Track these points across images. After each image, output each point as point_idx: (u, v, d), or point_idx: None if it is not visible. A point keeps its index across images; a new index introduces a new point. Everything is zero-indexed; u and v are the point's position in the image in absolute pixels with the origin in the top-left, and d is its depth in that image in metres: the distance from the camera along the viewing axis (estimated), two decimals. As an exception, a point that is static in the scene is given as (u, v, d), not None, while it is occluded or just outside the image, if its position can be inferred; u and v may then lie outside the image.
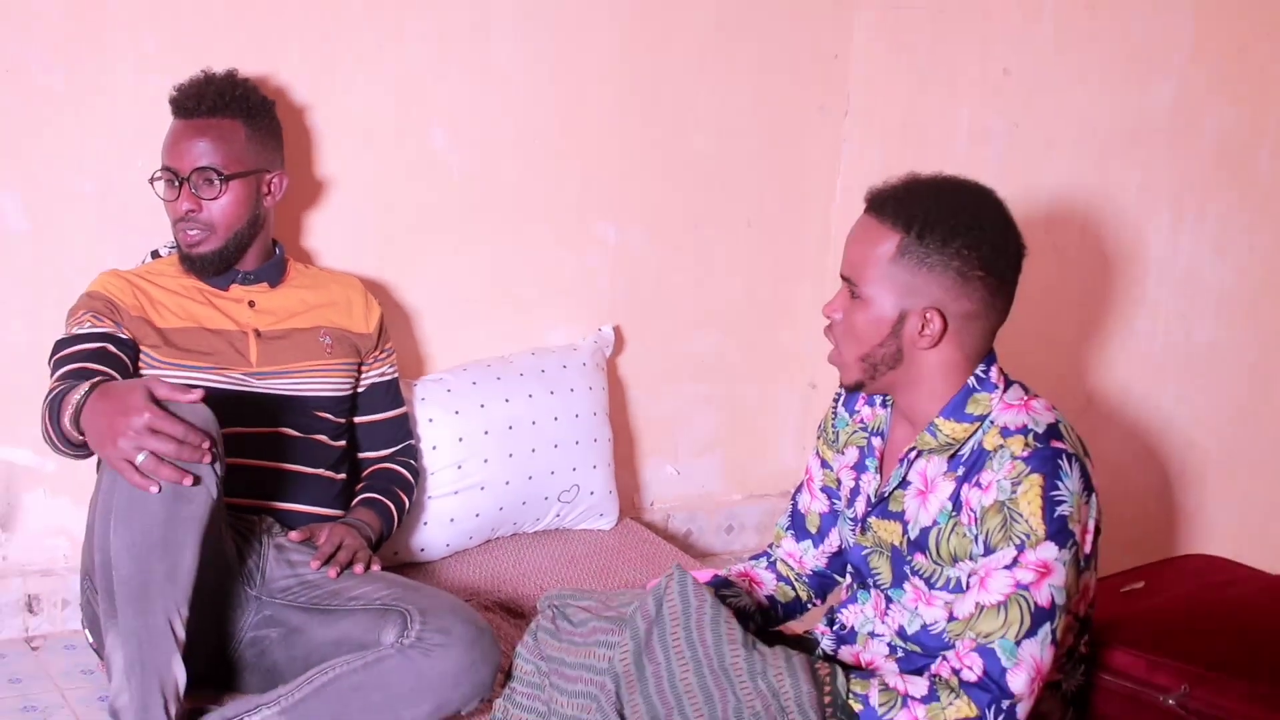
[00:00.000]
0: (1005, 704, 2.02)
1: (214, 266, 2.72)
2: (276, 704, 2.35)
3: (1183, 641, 2.33)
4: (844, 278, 2.18)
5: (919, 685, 2.07)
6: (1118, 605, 2.50)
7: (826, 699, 2.06)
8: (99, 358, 2.52)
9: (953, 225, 2.09)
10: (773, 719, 2.03)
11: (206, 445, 2.21)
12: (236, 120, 2.70)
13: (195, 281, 2.71)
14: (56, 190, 2.83)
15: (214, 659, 2.52)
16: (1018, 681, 2.02)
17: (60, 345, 2.58)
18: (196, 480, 2.21)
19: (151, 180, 2.68)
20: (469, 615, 2.39)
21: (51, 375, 2.53)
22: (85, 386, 2.27)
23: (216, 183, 2.67)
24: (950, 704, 2.03)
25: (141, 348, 2.61)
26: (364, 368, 2.85)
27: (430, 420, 3.07)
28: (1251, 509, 2.88)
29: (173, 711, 2.25)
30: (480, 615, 2.43)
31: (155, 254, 2.80)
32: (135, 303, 2.64)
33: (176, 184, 2.67)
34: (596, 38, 3.33)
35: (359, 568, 2.56)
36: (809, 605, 2.52)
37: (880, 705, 2.07)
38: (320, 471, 2.74)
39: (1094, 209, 3.12)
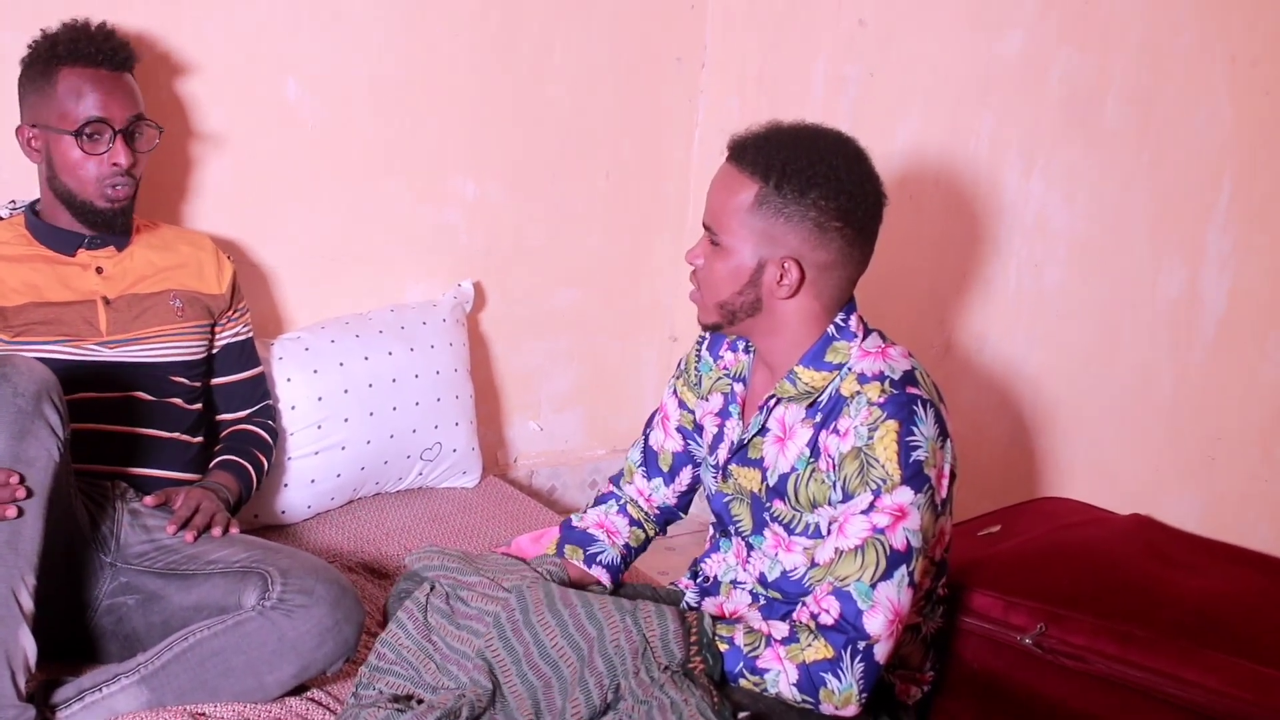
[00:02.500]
0: (861, 645, 2.05)
1: (123, 224, 2.64)
2: (136, 672, 2.30)
3: (1038, 582, 2.38)
4: (705, 225, 2.19)
5: (780, 628, 2.10)
6: (975, 549, 2.55)
7: (693, 639, 2.08)
8: None
9: (810, 176, 2.10)
10: (636, 653, 2.04)
11: (15, 481, 2.17)
12: (132, 73, 2.64)
13: (40, 249, 2.62)
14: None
15: (70, 629, 2.46)
16: (874, 623, 2.05)
17: None
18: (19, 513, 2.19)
19: (77, 133, 2.54)
20: (331, 575, 2.36)
21: None
22: None
23: (156, 132, 2.64)
24: (809, 645, 2.05)
25: None
26: (217, 328, 2.79)
27: (289, 380, 3.02)
28: (1102, 452, 2.94)
29: (22, 684, 2.18)
30: (343, 575, 2.40)
31: (-5, 215, 2.71)
32: None
33: (108, 136, 2.57)
34: (452, -12, 3.29)
35: (216, 531, 2.52)
36: (652, 539, 2.56)
37: (745, 645, 2.09)
38: (175, 435, 2.68)
39: (947, 157, 3.15)
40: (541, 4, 3.42)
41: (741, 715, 1.96)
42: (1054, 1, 2.93)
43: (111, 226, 2.64)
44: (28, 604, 2.18)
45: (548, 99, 3.49)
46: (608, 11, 3.52)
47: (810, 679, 2.05)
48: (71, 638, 2.47)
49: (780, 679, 2.06)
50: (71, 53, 2.57)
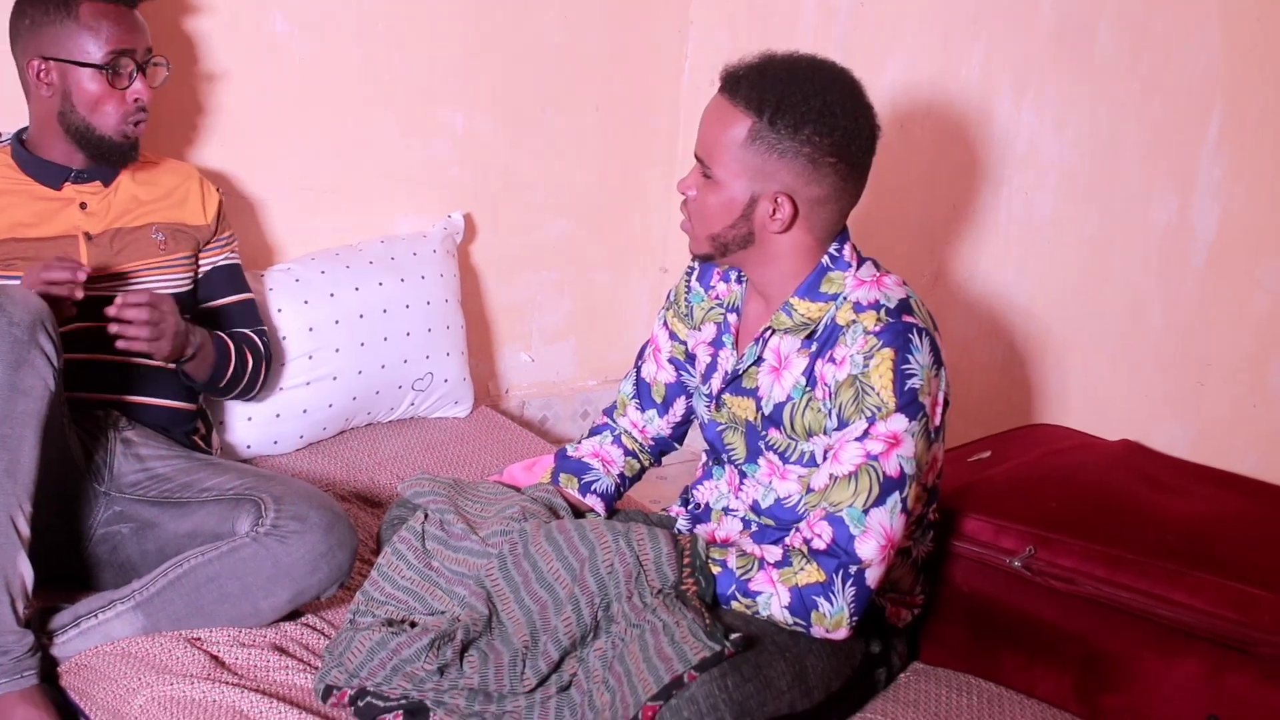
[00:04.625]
0: (852, 569, 2.07)
1: (133, 157, 2.63)
2: (131, 599, 2.32)
3: (1027, 506, 2.40)
4: (697, 157, 2.18)
5: (774, 552, 2.11)
6: (966, 474, 2.56)
7: (686, 561, 2.09)
8: None
9: (804, 111, 2.08)
10: (630, 576, 2.06)
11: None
12: (139, 10, 2.62)
13: (25, 182, 2.60)
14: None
15: (66, 557, 2.47)
16: (866, 548, 2.07)
17: None
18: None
19: (102, 66, 2.52)
20: (324, 501, 2.37)
21: None
22: None
23: (164, 68, 2.62)
24: (801, 569, 2.07)
25: None
26: (201, 254, 2.78)
27: (279, 310, 3.02)
28: (1091, 379, 2.95)
29: (20, 610, 2.20)
30: (336, 502, 2.41)
31: (-24, 147, 2.69)
32: None
33: (130, 71, 2.55)
34: (438, -84, 3.27)
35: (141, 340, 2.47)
36: (647, 469, 2.58)
37: (738, 568, 2.11)
38: (166, 364, 2.67)
39: (938, 87, 3.14)
40: (530, -67, 3.40)
41: (733, 637, 1.98)
42: (1045, -72, 2.92)
43: (125, 160, 2.63)
44: (25, 531, 2.19)
45: (537, 30, 3.47)
46: (597, -59, 3.50)
47: (802, 602, 2.07)
48: (67, 566, 2.49)
49: (772, 602, 2.08)
50: None
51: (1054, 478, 2.53)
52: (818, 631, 2.08)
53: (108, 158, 2.60)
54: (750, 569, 2.10)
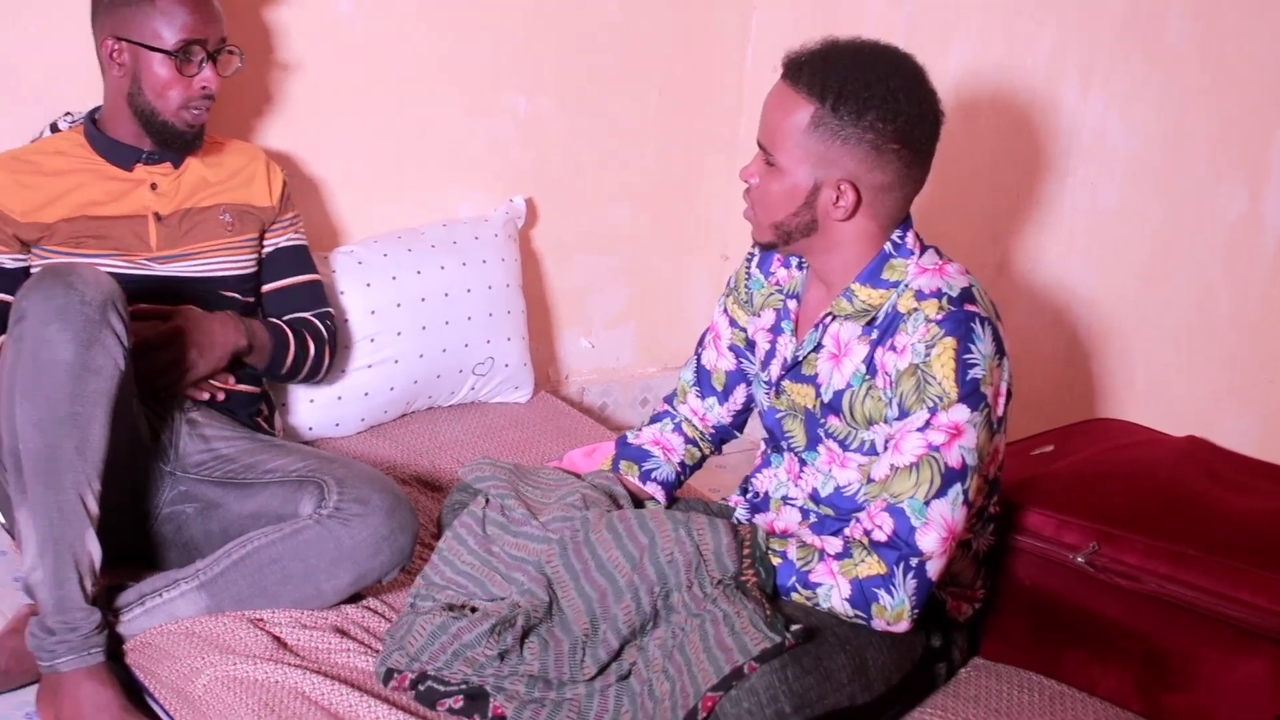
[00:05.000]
0: (914, 561, 2.06)
1: (196, 145, 2.66)
2: (195, 578, 2.34)
3: (1090, 501, 2.38)
4: (760, 144, 2.17)
5: (834, 543, 2.11)
6: (1028, 468, 2.54)
7: (746, 552, 2.09)
8: None
9: (867, 97, 2.07)
10: (689, 566, 2.06)
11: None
12: None
13: (97, 161, 2.62)
14: (-55, 59, 2.74)
15: (132, 536, 2.50)
16: (927, 540, 2.06)
17: None
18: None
19: (173, 53, 2.54)
20: (386, 484, 2.38)
21: None
22: None
23: (236, 58, 2.65)
24: (862, 561, 2.07)
25: (34, 248, 2.55)
26: (266, 234, 2.80)
27: (342, 294, 3.04)
28: (1156, 373, 2.93)
29: (88, 586, 2.23)
30: (398, 486, 2.42)
31: (54, 127, 2.71)
32: (24, 205, 2.54)
33: (201, 59, 2.57)
34: (505, -99, 3.27)
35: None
36: (708, 457, 2.57)
37: (798, 559, 2.10)
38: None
39: (1004, 74, 3.11)
40: (595, -83, 3.40)
41: (794, 628, 1.97)
42: (1117, -85, 2.89)
43: (187, 147, 2.65)
44: (94, 509, 2.22)
45: (600, 13, 3.47)
46: (662, -75, 3.49)
47: (863, 594, 2.06)
48: (133, 544, 2.52)
49: (833, 593, 2.07)
50: None
51: (1118, 473, 2.51)
52: (878, 624, 2.08)
53: (170, 144, 2.63)
54: (810, 560, 2.10)
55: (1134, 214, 2.93)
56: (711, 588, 2.05)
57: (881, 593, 2.06)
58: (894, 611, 2.06)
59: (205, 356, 2.57)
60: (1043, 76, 3.04)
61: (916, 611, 2.08)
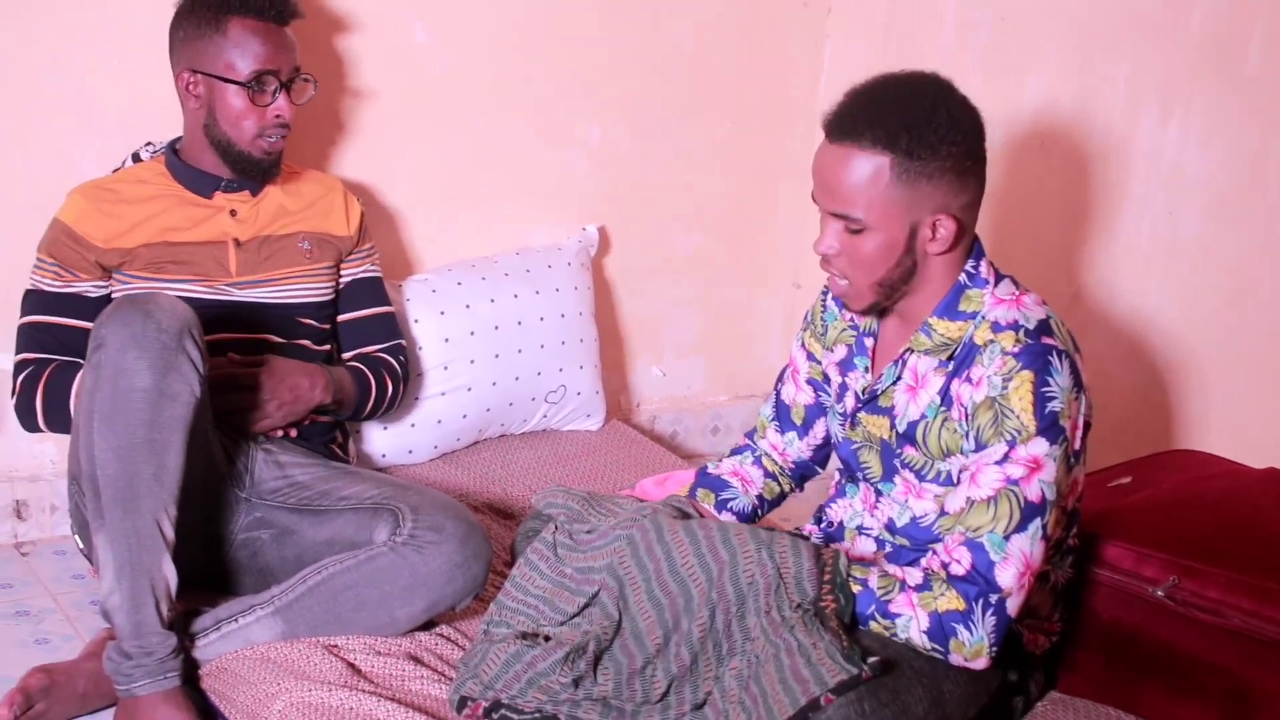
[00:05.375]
0: (993, 598, 2.03)
1: (274, 173, 2.69)
2: (271, 604, 2.35)
3: (1170, 534, 2.35)
4: (833, 213, 2.10)
5: (915, 575, 2.09)
6: (1106, 499, 2.51)
7: (826, 578, 2.07)
8: (66, 336, 2.54)
9: (935, 128, 2.04)
10: (769, 589, 2.04)
11: None
12: (290, 27, 2.67)
13: (178, 189, 2.66)
14: (31, 90, 2.78)
15: (207, 561, 2.52)
16: (1005, 576, 2.03)
17: (28, 304, 2.57)
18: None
19: (246, 84, 2.57)
20: (460, 512, 2.39)
21: (20, 337, 2.55)
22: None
23: (311, 86, 2.67)
24: (941, 594, 2.04)
25: (115, 274, 2.58)
26: (343, 265, 2.82)
27: (416, 321, 3.05)
28: (1236, 405, 2.89)
29: (165, 611, 2.25)
30: (471, 513, 2.43)
31: (136, 157, 2.75)
32: (105, 232, 2.57)
33: (274, 89, 2.60)
34: (579, -68, 3.29)
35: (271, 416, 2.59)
36: (788, 494, 2.55)
37: (879, 588, 2.08)
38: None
39: (1081, 103, 3.09)
40: (668, -51, 3.41)
41: (870, 660, 1.96)
42: (1196, -58, 2.86)
43: (265, 176, 2.68)
44: (170, 534, 2.24)
45: (673, 43, 3.48)
46: (735, -44, 3.50)
47: (941, 628, 2.04)
48: (208, 570, 2.53)
49: (911, 625, 2.05)
50: (243, 4, 2.57)
51: (1198, 505, 2.47)
52: (956, 659, 2.05)
53: (248, 173, 2.65)
54: (891, 590, 2.08)
55: (1214, 243, 2.90)
56: (790, 612, 2.03)
57: (960, 628, 2.03)
58: (972, 648, 2.04)
59: (283, 410, 2.59)
60: (1120, 106, 3.02)
61: (995, 649, 2.05)
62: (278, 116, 2.61)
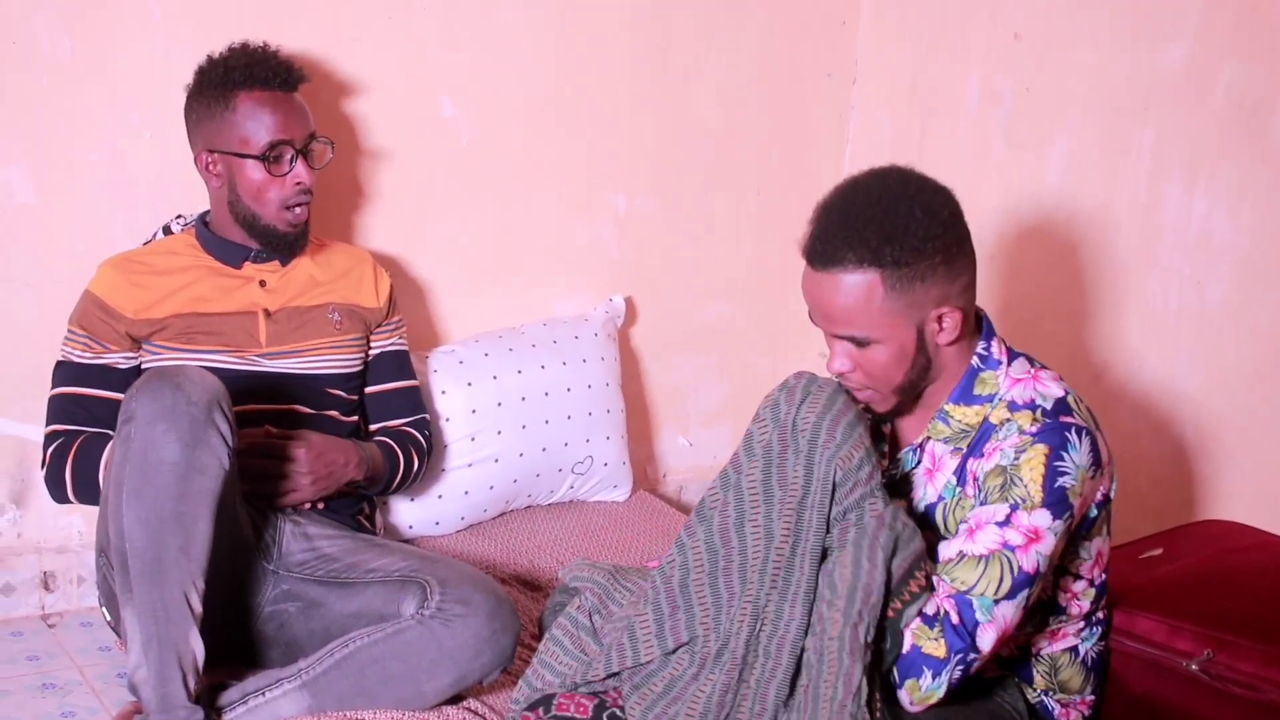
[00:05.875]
0: (970, 657, 2.03)
1: (302, 245, 2.70)
2: (298, 678, 2.35)
3: (1203, 606, 2.33)
4: (837, 336, 2.11)
5: (931, 604, 2.06)
6: (1137, 572, 2.49)
7: (890, 614, 2.05)
8: (96, 408, 2.55)
9: (914, 230, 2.02)
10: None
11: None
12: (300, 92, 2.69)
13: (208, 260, 2.67)
14: (64, 162, 2.82)
15: (234, 634, 2.52)
16: (985, 639, 2.03)
17: (59, 375, 2.58)
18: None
19: (262, 157, 2.58)
20: (489, 585, 2.38)
21: (51, 409, 2.56)
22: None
23: (328, 148, 2.69)
24: (933, 638, 2.03)
25: (145, 345, 2.59)
26: (372, 338, 2.83)
27: (443, 392, 3.06)
28: (1267, 474, 2.86)
29: (191, 685, 2.24)
30: (499, 586, 2.42)
31: (167, 230, 2.77)
32: (136, 304, 2.59)
33: (290, 157, 2.62)
34: (605, 4, 3.32)
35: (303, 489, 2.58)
36: None
37: (914, 594, 2.05)
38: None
39: (1105, 172, 3.09)
40: (693, 20, 3.43)
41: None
42: (1218, 11, 2.86)
43: (292, 249, 2.69)
44: (198, 607, 2.24)
45: (699, 114, 3.50)
46: (759, 27, 3.52)
47: (912, 664, 2.03)
48: (235, 643, 2.53)
49: (905, 638, 2.04)
50: (247, 77, 2.59)
51: (1231, 577, 2.45)
52: (904, 696, 2.04)
53: (275, 247, 2.67)
54: (915, 601, 2.05)
55: (1242, 311, 2.89)
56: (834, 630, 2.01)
57: (928, 674, 2.02)
58: (925, 694, 2.03)
59: (317, 485, 2.59)
60: (1146, 174, 3.02)
61: (940, 700, 2.04)
62: (298, 184, 2.63)
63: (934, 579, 2.07)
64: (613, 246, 3.46)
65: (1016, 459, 2.04)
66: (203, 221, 2.72)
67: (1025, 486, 2.02)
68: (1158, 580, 2.44)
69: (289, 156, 2.62)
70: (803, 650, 2.02)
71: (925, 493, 2.18)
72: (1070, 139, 3.17)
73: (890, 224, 2.02)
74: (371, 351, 2.84)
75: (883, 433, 2.28)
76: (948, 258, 2.06)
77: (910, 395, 2.16)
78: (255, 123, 2.60)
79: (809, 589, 2.03)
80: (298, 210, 2.64)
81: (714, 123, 3.53)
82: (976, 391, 2.14)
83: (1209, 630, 2.25)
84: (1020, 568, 2.02)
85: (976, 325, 2.17)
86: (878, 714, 1.97)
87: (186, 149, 2.69)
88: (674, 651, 2.06)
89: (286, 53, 2.71)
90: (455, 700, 2.40)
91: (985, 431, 2.11)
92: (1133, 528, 2.82)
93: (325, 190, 2.97)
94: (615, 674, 2.10)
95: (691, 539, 2.10)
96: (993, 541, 2.03)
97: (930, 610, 2.05)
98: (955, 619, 2.03)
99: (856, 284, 2.05)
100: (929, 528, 2.17)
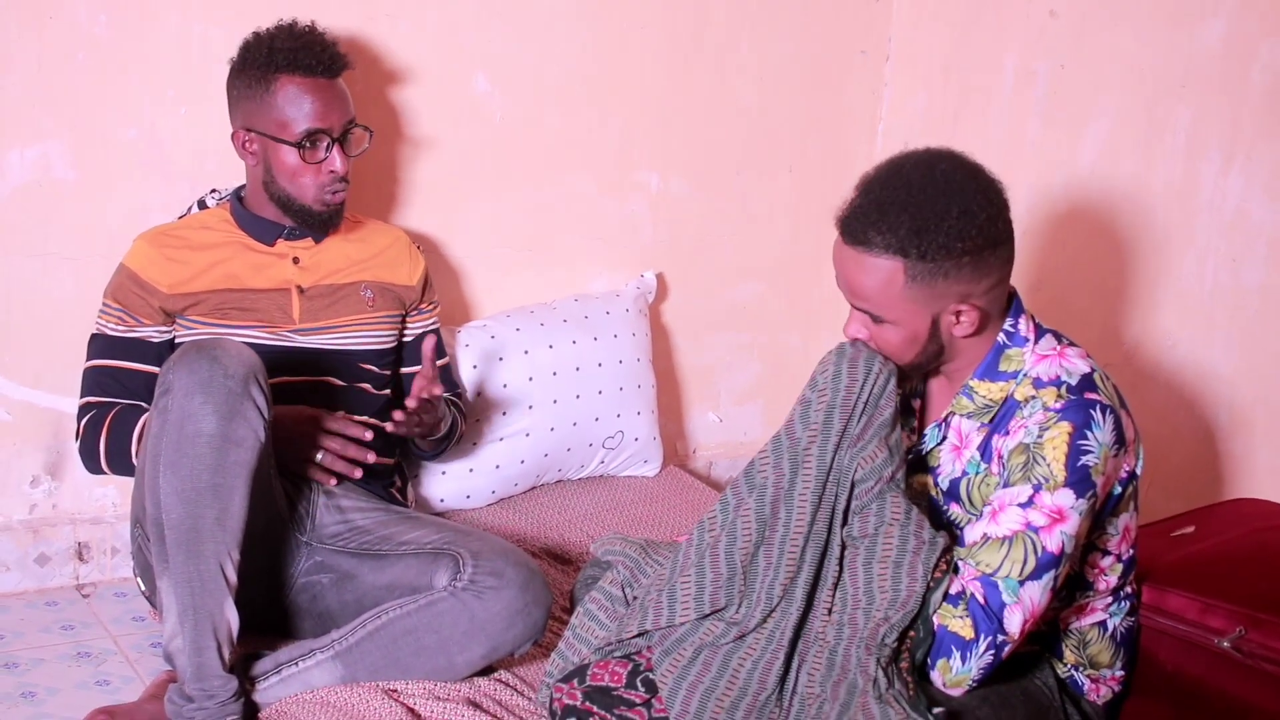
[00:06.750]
0: (999, 639, 2.03)
1: (335, 224, 2.70)
2: (331, 648, 2.36)
3: (1235, 584, 2.32)
4: (856, 306, 2.13)
5: (956, 584, 2.07)
6: (1169, 550, 2.49)
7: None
8: (129, 380, 2.57)
9: (947, 228, 2.02)
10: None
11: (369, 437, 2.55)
12: (343, 77, 2.68)
13: (242, 236, 2.68)
14: (101, 138, 2.83)
15: (268, 605, 2.54)
16: (1013, 621, 2.03)
17: (93, 347, 2.60)
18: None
19: (298, 144, 2.58)
20: (521, 558, 2.39)
21: (85, 381, 2.59)
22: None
23: (366, 135, 2.69)
24: (960, 616, 2.03)
25: (179, 319, 2.61)
26: (409, 319, 2.84)
27: (474, 367, 3.07)
28: (1300, 453, 2.87)
29: (226, 655, 2.26)
30: (531, 559, 2.43)
31: (202, 204, 2.78)
32: (170, 278, 2.60)
33: (326, 145, 2.62)
34: (639, -18, 3.32)
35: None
36: None
37: (942, 570, 2.06)
38: (365, 419, 2.73)
39: (1142, 151, 3.08)
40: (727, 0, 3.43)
41: (936, 711, 1.94)
42: (1257, -10, 2.85)
43: (326, 227, 2.70)
44: (233, 578, 2.26)
45: (732, 93, 3.49)
46: (793, 5, 3.51)
47: (941, 644, 2.03)
48: (269, 614, 2.55)
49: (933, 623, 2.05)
50: (290, 62, 2.58)
51: (1263, 555, 2.45)
52: (937, 678, 2.05)
53: (309, 225, 2.68)
54: (944, 580, 2.06)
55: (1278, 291, 2.88)
56: (859, 650, 2.01)
57: (957, 654, 2.03)
58: (957, 676, 2.04)
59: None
60: (1182, 153, 3.00)
61: (976, 684, 2.05)
62: (332, 172, 2.63)
63: (959, 563, 2.07)
64: (645, 225, 3.46)
65: (1040, 436, 2.04)
66: (237, 197, 2.73)
67: (1049, 465, 2.03)
68: (1189, 558, 2.43)
69: (325, 144, 2.62)
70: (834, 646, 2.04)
71: (952, 468, 2.19)
72: (1106, 118, 3.15)
73: (923, 218, 2.02)
74: (409, 334, 2.85)
75: (912, 408, 2.28)
76: (976, 259, 2.05)
77: (918, 373, 2.18)
78: (294, 108, 2.59)
79: (833, 574, 2.04)
80: (331, 194, 2.65)
81: (747, 101, 3.52)
82: (1002, 368, 2.14)
83: (1241, 608, 2.25)
84: (1044, 548, 2.02)
85: (1006, 306, 2.16)
86: (910, 691, 1.98)
87: (222, 125, 2.70)
88: (708, 616, 2.06)
89: (326, 29, 2.70)
90: (486, 672, 2.42)
91: (1010, 408, 2.11)
92: (1165, 506, 2.82)
93: (360, 166, 2.97)
94: (645, 632, 2.11)
95: (740, 505, 2.09)
96: (1016, 523, 2.04)
97: (954, 590, 2.05)
98: (981, 600, 2.03)
99: (880, 268, 2.06)
100: (955, 500, 2.17)
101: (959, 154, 2.12)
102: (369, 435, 2.55)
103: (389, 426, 2.58)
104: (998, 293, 2.12)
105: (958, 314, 2.09)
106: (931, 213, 2.02)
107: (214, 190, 2.81)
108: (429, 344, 2.59)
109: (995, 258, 2.08)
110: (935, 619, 2.03)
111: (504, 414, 3.09)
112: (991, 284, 2.10)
